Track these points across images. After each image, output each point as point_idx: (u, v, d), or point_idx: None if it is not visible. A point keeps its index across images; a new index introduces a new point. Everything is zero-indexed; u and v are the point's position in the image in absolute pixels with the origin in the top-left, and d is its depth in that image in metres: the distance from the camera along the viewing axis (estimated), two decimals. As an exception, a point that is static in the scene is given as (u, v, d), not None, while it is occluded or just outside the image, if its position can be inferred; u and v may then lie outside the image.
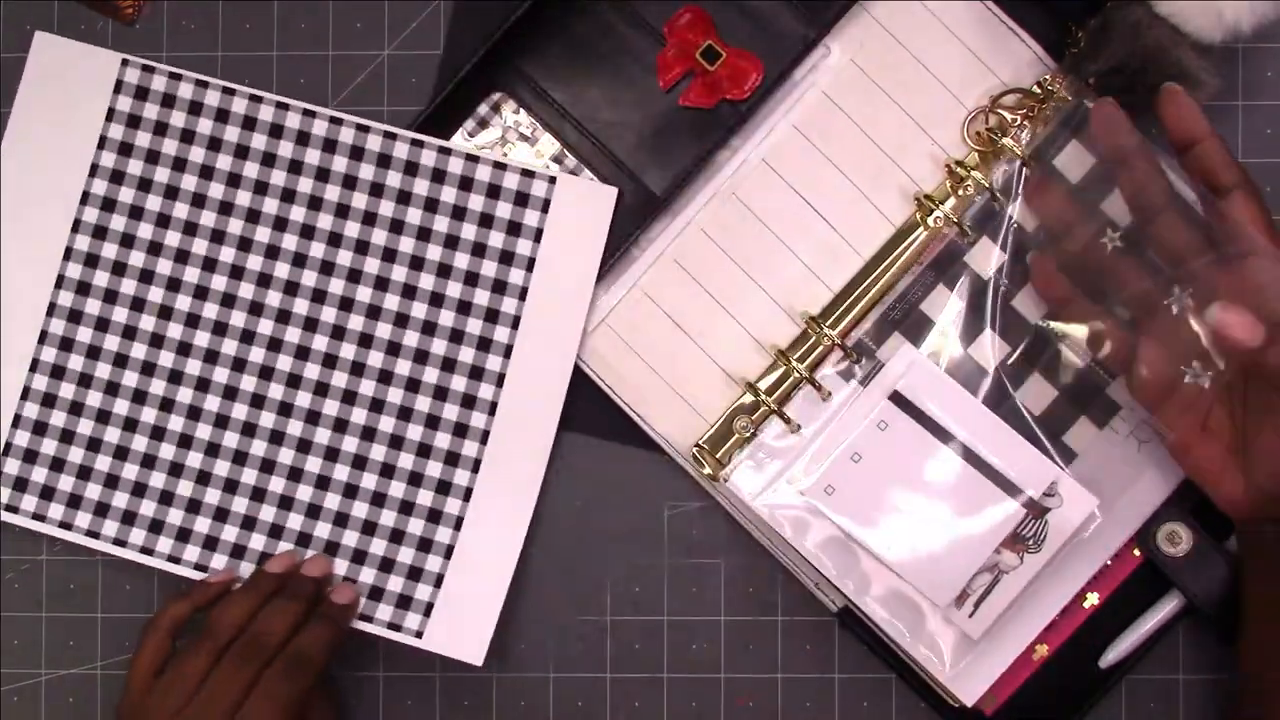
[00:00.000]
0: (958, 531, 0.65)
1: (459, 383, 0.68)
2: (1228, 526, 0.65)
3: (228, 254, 0.69)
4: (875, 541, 0.65)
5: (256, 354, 0.69)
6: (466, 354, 0.68)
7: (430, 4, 0.71)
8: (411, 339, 0.68)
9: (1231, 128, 0.69)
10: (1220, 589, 0.65)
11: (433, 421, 0.68)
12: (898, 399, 0.66)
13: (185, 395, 0.69)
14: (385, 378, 0.69)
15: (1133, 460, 0.66)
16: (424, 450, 0.68)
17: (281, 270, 0.69)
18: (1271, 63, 0.69)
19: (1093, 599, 0.67)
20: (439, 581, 0.68)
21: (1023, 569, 0.65)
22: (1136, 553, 0.67)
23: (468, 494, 0.68)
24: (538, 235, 0.68)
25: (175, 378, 0.69)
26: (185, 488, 0.69)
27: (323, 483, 0.69)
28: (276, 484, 0.69)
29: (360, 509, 0.68)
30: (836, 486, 0.66)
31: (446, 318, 0.68)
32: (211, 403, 0.69)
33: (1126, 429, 0.67)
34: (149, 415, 0.69)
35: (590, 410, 0.69)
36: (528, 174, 0.68)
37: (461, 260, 0.69)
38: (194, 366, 0.69)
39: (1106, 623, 0.67)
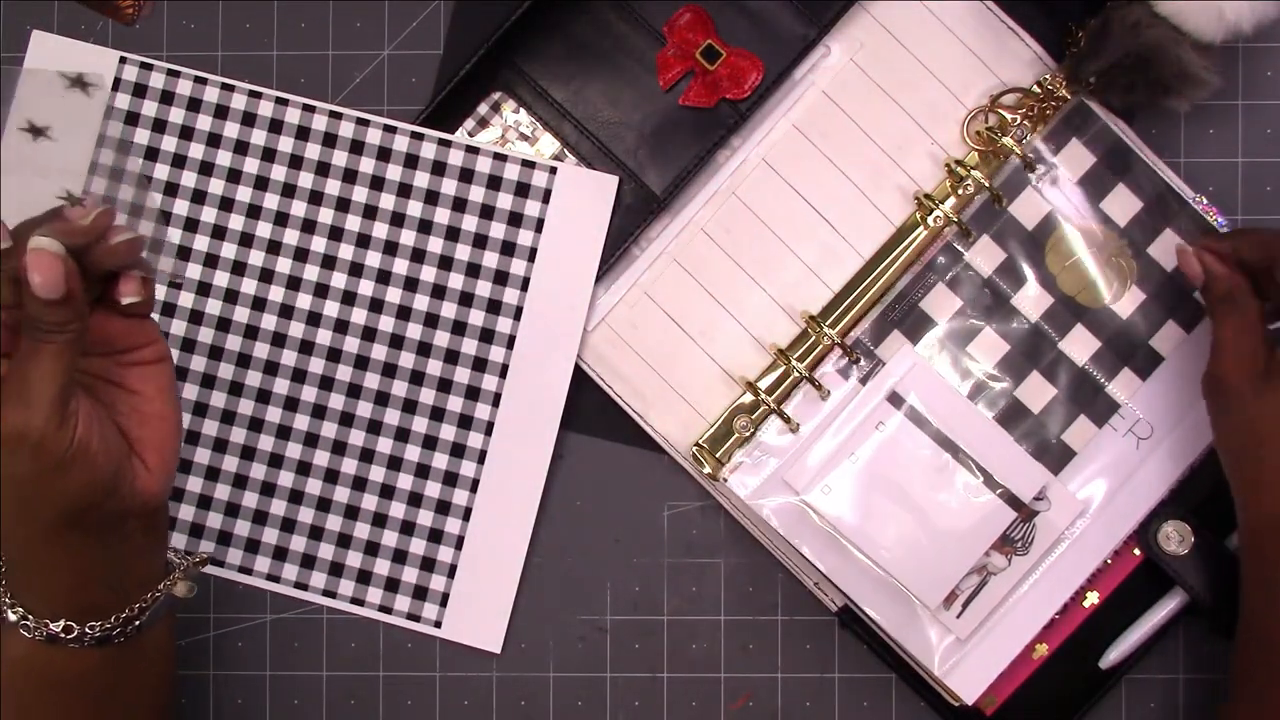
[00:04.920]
0: (948, 532, 0.65)
1: (463, 375, 0.68)
2: (1228, 524, 0.65)
3: (229, 250, 0.69)
4: (867, 542, 0.65)
5: (261, 349, 0.69)
6: (470, 346, 0.68)
7: (430, 4, 0.71)
8: (415, 332, 0.69)
9: (1231, 127, 0.69)
10: (1221, 587, 0.64)
11: (438, 414, 0.68)
12: (895, 399, 0.66)
13: (191, 392, 0.69)
14: (390, 371, 0.69)
15: (1131, 458, 0.66)
16: (430, 443, 0.68)
17: (284, 266, 0.69)
18: (1271, 62, 0.69)
19: (1093, 598, 0.67)
20: (452, 572, 0.68)
21: (1010, 571, 0.66)
22: (1136, 552, 0.67)
23: (475, 485, 0.68)
24: (539, 225, 0.68)
25: (179, 374, 0.69)
26: (194, 484, 0.69)
27: (331, 476, 0.69)
28: (286, 478, 0.69)
29: (370, 501, 0.69)
30: (832, 486, 0.66)
31: (449, 310, 0.69)
32: (218, 398, 0.69)
33: (1125, 426, 0.67)
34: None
35: (590, 410, 0.69)
36: (528, 165, 0.69)
37: (463, 252, 0.69)
38: (198, 363, 0.69)
39: (1106, 622, 0.67)
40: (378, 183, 0.69)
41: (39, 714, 0.54)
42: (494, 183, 0.69)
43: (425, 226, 0.69)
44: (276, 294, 0.69)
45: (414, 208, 0.69)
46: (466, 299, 0.68)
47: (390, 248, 0.69)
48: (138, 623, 0.54)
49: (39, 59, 0.70)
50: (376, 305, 0.69)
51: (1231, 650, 0.62)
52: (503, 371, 0.68)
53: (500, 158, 0.69)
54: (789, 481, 0.66)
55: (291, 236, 0.69)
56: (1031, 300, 0.67)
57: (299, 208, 0.69)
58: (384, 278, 0.69)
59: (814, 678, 0.69)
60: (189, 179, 0.69)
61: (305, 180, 0.69)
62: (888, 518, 0.65)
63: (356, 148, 0.69)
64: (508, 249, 0.69)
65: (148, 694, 0.57)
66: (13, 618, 0.52)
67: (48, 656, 0.53)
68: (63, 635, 0.52)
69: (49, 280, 0.47)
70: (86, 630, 0.53)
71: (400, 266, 0.69)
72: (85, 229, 0.49)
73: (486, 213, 0.69)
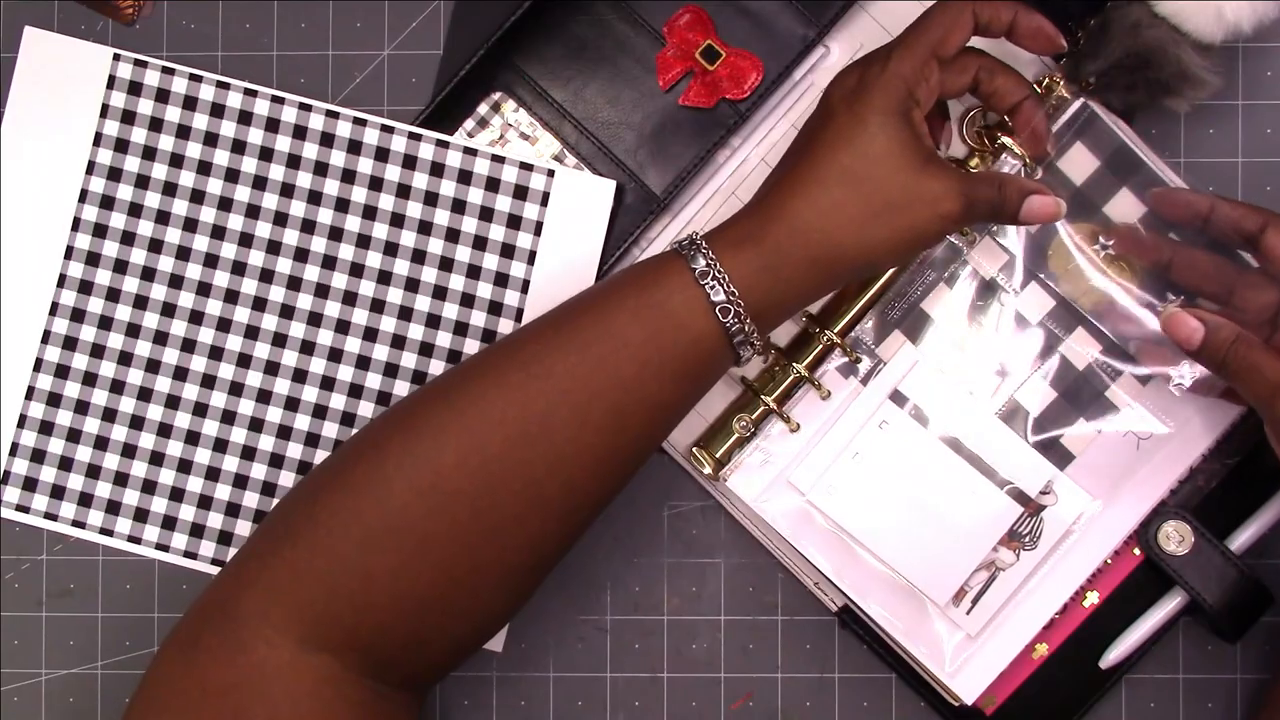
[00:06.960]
0: (955, 529, 0.65)
1: (463, 377, 0.68)
2: (1228, 524, 0.65)
3: (229, 250, 0.69)
4: (874, 540, 0.65)
5: (262, 349, 0.69)
6: (472, 347, 0.68)
7: (430, 4, 0.71)
8: (417, 333, 0.69)
9: (1231, 127, 0.69)
10: (1221, 587, 0.65)
11: (438, 415, 0.68)
12: (897, 398, 0.66)
13: (191, 392, 0.69)
14: (392, 371, 0.69)
15: (1131, 458, 0.66)
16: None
17: (284, 265, 0.69)
18: (1271, 63, 0.69)
19: (1093, 598, 0.67)
20: None
21: (1019, 566, 0.66)
22: (1136, 552, 0.67)
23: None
24: (538, 229, 0.68)
25: (180, 374, 0.69)
26: (195, 484, 0.69)
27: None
28: (286, 478, 0.69)
29: None
30: (836, 485, 0.66)
31: (451, 311, 0.68)
32: (218, 398, 0.69)
33: (1125, 427, 0.67)
34: (155, 412, 0.69)
35: (590, 410, 0.69)
36: (526, 167, 0.69)
37: (464, 254, 0.69)
38: (199, 363, 0.69)
39: (1106, 622, 0.67)
40: (376, 183, 0.69)
41: (675, 378, 0.58)
42: (492, 185, 0.69)
43: (425, 228, 0.69)
44: (277, 294, 0.69)
45: (413, 209, 0.69)
46: (468, 300, 0.68)
47: (391, 248, 0.69)
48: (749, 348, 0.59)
49: (31, 56, 0.70)
50: (378, 306, 0.69)
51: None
52: (504, 373, 0.68)
53: (498, 160, 0.69)
54: (793, 482, 0.66)
55: (291, 237, 0.69)
56: (1033, 302, 0.67)
57: (298, 208, 0.69)
58: (385, 278, 0.69)
59: (814, 678, 0.69)
60: (187, 178, 0.69)
61: (304, 180, 0.69)
62: (894, 516, 0.65)
63: (354, 148, 0.69)
64: (507, 251, 0.68)
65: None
66: (719, 298, 0.56)
67: (713, 345, 0.57)
68: (752, 344, 0.58)
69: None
70: (753, 341, 0.58)
71: (401, 267, 0.69)
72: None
73: (485, 215, 0.69)
